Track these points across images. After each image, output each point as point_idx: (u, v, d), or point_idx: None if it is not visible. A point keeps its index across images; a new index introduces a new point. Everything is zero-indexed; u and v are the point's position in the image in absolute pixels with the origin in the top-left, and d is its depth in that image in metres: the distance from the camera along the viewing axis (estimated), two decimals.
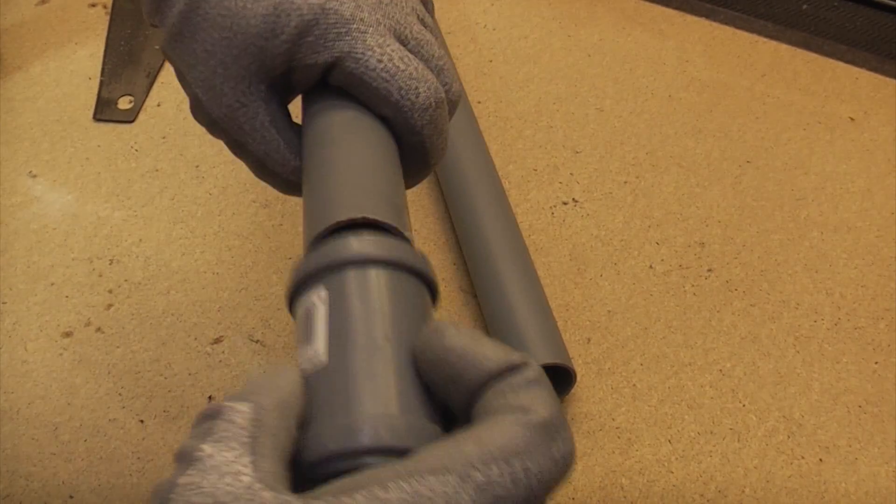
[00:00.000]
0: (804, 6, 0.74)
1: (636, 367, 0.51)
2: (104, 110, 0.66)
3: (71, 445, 0.48)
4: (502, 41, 0.72)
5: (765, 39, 0.72)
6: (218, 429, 0.21)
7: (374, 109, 0.32)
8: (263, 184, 0.63)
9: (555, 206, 0.60)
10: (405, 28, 0.33)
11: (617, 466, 0.47)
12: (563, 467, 0.21)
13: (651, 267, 0.56)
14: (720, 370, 0.51)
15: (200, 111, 0.34)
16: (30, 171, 0.62)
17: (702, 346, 0.52)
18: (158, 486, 0.20)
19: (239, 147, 0.35)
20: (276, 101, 0.34)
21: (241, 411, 0.21)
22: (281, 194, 0.60)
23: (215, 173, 0.62)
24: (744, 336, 0.53)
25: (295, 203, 0.60)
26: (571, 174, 0.62)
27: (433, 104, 0.32)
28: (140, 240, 0.58)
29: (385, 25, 0.32)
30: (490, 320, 0.51)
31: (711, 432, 0.49)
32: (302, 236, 0.29)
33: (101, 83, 0.68)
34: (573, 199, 0.60)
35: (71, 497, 0.46)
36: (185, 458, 0.21)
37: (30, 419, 0.49)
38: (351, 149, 0.30)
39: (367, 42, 0.31)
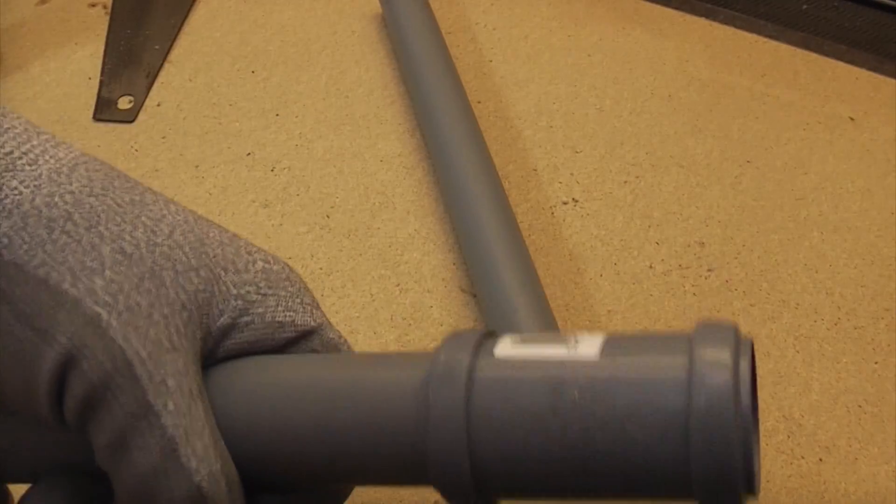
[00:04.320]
0: (804, 6, 0.74)
1: None
2: (104, 110, 0.66)
3: None
4: (502, 41, 0.72)
5: (765, 39, 0.72)
6: None
7: None
8: (264, 183, 0.63)
9: (555, 206, 0.60)
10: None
11: None
12: None
13: (651, 267, 0.56)
14: None
15: None
16: None
17: None
18: None
19: None
20: None
21: None
22: (281, 194, 0.60)
23: (215, 173, 0.62)
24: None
25: (295, 203, 0.60)
26: (571, 174, 0.62)
27: None
28: None
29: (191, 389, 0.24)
30: (490, 320, 0.51)
31: None
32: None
33: (101, 83, 0.68)
34: (573, 199, 0.60)
35: None
36: None
37: None
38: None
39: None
